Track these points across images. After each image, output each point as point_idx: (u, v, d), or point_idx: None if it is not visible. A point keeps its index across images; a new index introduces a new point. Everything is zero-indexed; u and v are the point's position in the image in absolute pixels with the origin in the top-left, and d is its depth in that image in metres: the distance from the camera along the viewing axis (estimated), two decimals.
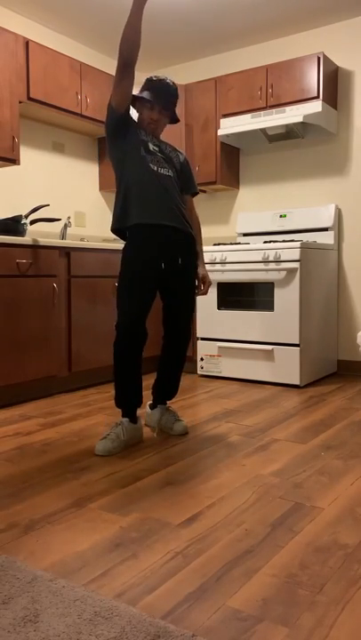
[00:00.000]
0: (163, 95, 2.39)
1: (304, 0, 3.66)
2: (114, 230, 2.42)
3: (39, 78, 3.52)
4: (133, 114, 2.48)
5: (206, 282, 2.58)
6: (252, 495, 1.82)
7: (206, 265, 3.85)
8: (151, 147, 2.40)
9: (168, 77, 2.45)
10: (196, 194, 2.60)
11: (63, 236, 3.96)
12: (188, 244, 2.46)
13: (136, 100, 2.44)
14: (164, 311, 2.52)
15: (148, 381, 3.29)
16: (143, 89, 2.41)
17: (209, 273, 3.84)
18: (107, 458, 2.21)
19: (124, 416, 2.40)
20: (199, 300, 3.91)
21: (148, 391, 3.18)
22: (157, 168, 2.37)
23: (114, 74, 4.47)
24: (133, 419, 2.40)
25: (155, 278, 2.37)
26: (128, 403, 2.40)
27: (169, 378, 2.59)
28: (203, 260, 2.59)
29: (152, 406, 2.66)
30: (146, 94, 2.37)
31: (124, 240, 2.42)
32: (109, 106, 2.33)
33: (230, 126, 4.02)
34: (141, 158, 2.35)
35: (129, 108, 2.36)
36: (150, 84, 2.40)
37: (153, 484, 1.92)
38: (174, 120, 2.52)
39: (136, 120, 2.46)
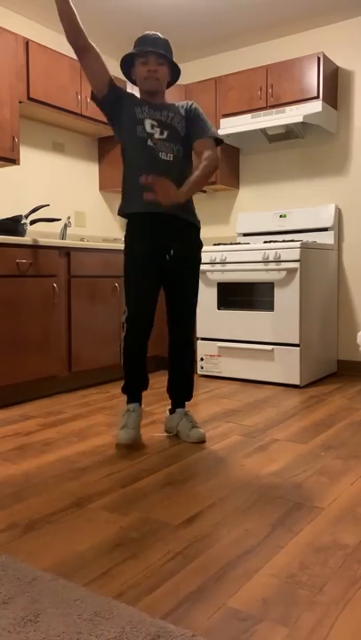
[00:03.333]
0: (150, 40, 2.29)
1: (304, 0, 3.66)
2: (120, 214, 2.44)
3: (39, 78, 3.52)
4: (136, 92, 2.42)
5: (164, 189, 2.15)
6: (252, 495, 1.82)
7: (206, 265, 3.84)
8: (148, 126, 2.29)
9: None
10: (216, 139, 2.38)
11: (63, 236, 3.95)
12: (188, 233, 2.43)
13: (131, 69, 2.37)
14: (166, 301, 2.47)
15: (154, 380, 3.26)
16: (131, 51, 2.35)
17: (209, 273, 3.83)
18: (106, 458, 2.21)
19: (132, 401, 2.47)
20: (199, 300, 3.89)
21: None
22: (158, 152, 2.29)
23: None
24: (140, 401, 2.50)
25: (156, 265, 2.38)
26: (138, 387, 2.49)
27: (181, 374, 2.52)
28: (188, 183, 2.27)
29: (171, 411, 2.56)
30: (135, 50, 2.32)
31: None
32: (92, 94, 2.34)
33: (230, 126, 4.02)
34: (138, 145, 2.29)
35: (111, 90, 2.30)
36: (136, 42, 2.35)
37: (153, 484, 1.92)
38: (175, 72, 2.41)
39: (138, 95, 2.39)
